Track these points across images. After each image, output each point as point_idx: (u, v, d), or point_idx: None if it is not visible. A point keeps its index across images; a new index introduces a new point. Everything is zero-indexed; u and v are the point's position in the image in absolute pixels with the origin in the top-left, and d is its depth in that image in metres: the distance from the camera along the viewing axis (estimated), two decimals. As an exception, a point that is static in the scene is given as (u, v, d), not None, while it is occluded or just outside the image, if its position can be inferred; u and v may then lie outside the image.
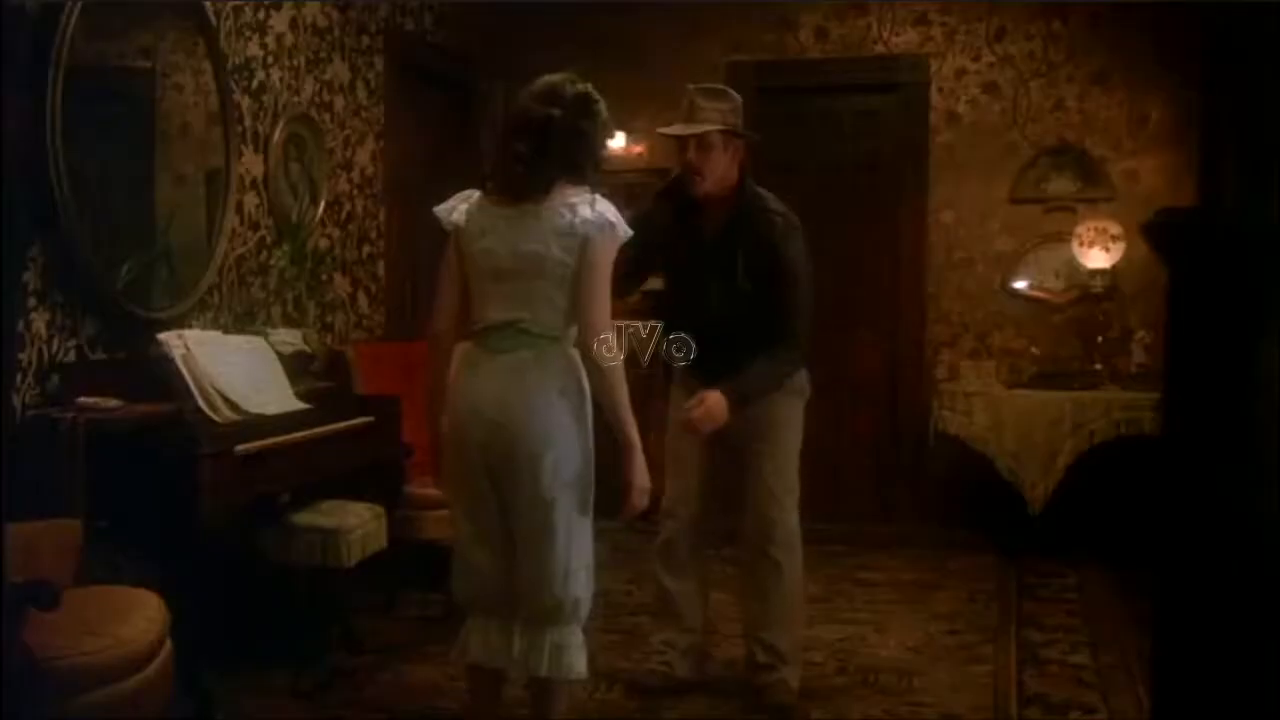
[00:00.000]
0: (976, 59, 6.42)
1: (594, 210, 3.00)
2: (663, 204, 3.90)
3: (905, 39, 6.50)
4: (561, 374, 3.03)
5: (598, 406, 3.07)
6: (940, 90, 6.46)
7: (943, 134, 6.46)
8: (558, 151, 3.01)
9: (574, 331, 3.04)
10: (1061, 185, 6.32)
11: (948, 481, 6.27)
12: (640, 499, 3.05)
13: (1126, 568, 5.19)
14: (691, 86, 3.79)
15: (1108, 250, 5.94)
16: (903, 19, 6.49)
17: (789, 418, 3.85)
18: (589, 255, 2.98)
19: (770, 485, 3.84)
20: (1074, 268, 6.13)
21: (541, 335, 3.02)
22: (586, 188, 3.05)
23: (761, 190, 3.79)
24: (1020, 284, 6.36)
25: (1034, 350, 6.14)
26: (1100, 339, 6.04)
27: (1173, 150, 6.18)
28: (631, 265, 3.47)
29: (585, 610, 3.08)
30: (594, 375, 3.02)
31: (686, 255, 3.81)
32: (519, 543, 3.04)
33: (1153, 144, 6.23)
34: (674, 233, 3.81)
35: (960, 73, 6.43)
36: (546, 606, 3.02)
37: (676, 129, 3.70)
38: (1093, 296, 6.08)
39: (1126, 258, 5.93)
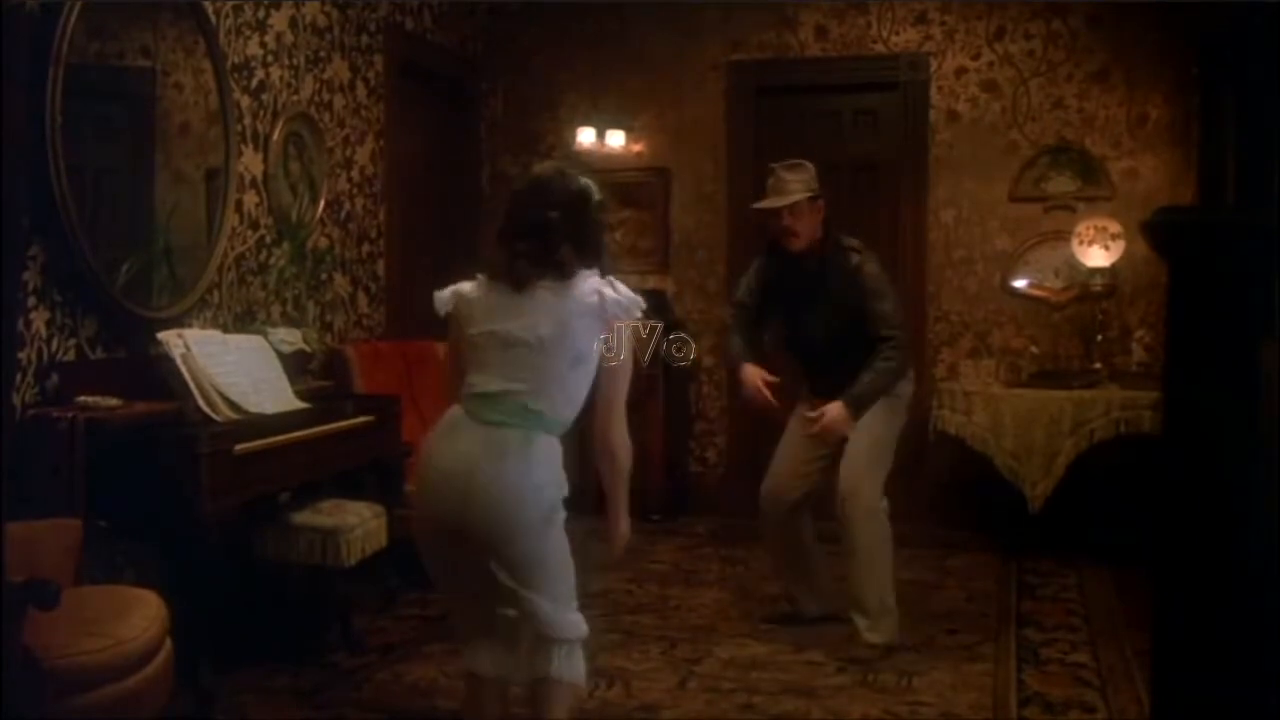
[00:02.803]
0: (976, 58, 6.42)
1: (622, 295, 3.00)
2: (767, 260, 4.62)
3: (905, 38, 6.50)
4: (544, 464, 2.92)
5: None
6: (940, 89, 6.46)
7: (942, 133, 6.46)
8: (562, 249, 2.98)
9: (568, 418, 2.99)
10: (1061, 184, 6.32)
11: (947, 480, 6.27)
12: (623, 544, 3.14)
13: (1126, 567, 5.19)
14: (774, 165, 4.48)
15: (1107, 249, 5.94)
16: (902, 18, 6.50)
17: (885, 414, 4.44)
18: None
19: (857, 459, 4.39)
20: (1074, 266, 6.14)
21: (538, 413, 2.92)
22: (597, 270, 3.04)
23: (841, 236, 4.52)
24: (1020, 283, 6.37)
25: (1034, 349, 6.14)
26: (1100, 337, 6.05)
27: (1172, 149, 6.18)
28: (755, 313, 4.63)
29: (579, 632, 3.01)
30: (604, 456, 3.04)
31: (792, 297, 4.53)
32: (499, 601, 2.96)
33: (1152, 143, 6.23)
34: (780, 282, 4.55)
35: (960, 71, 6.44)
36: (547, 639, 2.98)
37: (770, 203, 4.42)
38: (1092, 295, 6.08)
39: (1126, 256, 5.93)
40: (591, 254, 3.04)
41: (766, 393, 4.48)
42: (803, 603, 4.69)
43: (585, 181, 3.08)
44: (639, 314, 3.03)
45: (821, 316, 4.45)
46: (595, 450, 3.05)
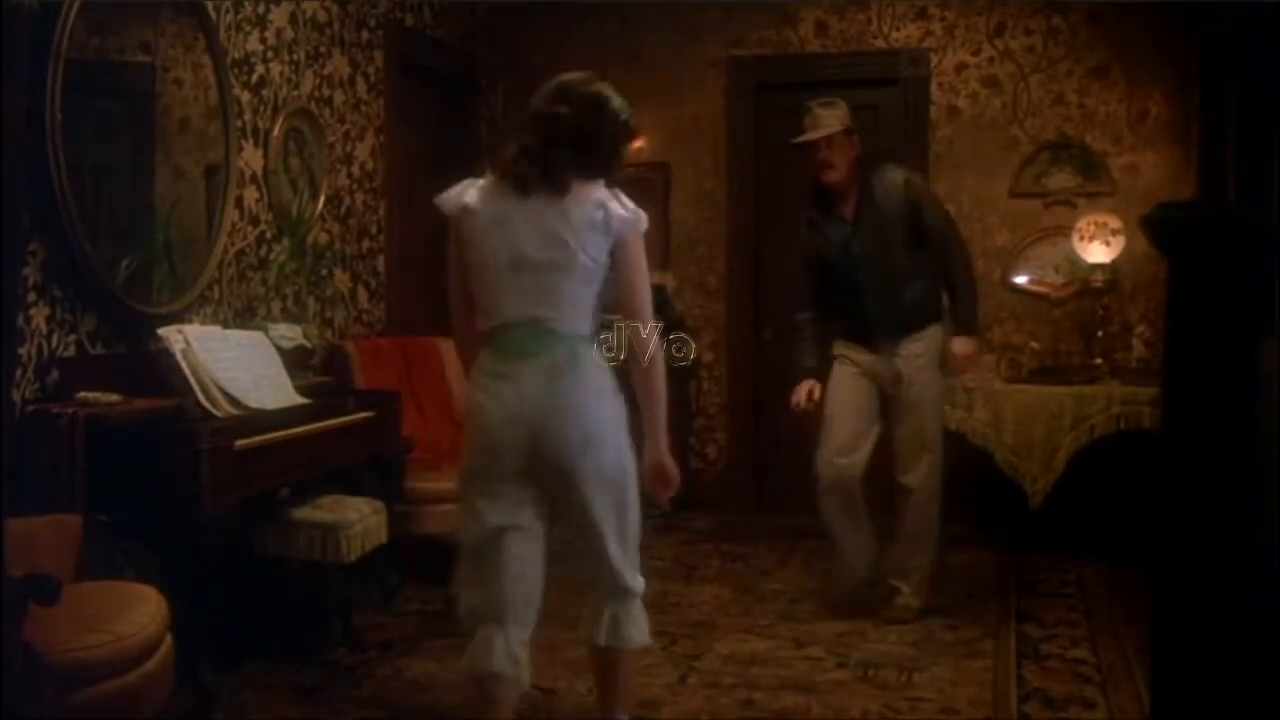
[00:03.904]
0: (976, 53, 6.41)
1: (626, 208, 2.99)
2: (808, 212, 4.72)
3: (905, 33, 6.50)
4: (596, 375, 3.00)
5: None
6: (940, 85, 6.46)
7: (943, 128, 6.45)
8: (565, 148, 2.94)
9: (589, 336, 3.02)
10: (1062, 180, 6.32)
11: (948, 476, 6.25)
12: (674, 483, 3.15)
13: (1126, 563, 5.19)
14: (810, 102, 4.61)
15: (1108, 245, 5.94)
16: (903, 13, 6.49)
17: (936, 381, 4.68)
18: (630, 254, 3.00)
19: (922, 431, 4.63)
20: (1074, 262, 6.13)
21: (570, 335, 2.96)
22: (602, 183, 3.00)
23: (877, 165, 4.64)
24: (1020, 278, 6.36)
25: (1034, 345, 6.13)
26: (1100, 333, 6.04)
27: (1173, 145, 6.18)
28: (822, 304, 4.70)
29: (640, 587, 3.14)
30: (636, 369, 3.06)
31: (838, 238, 4.60)
32: (575, 539, 3.07)
33: (1153, 138, 6.23)
34: (827, 228, 4.64)
35: (960, 67, 6.43)
36: (613, 590, 3.10)
37: (806, 136, 4.54)
38: (1093, 291, 6.07)
39: (1126, 252, 5.93)
40: (598, 163, 3.00)
41: (808, 406, 4.68)
42: (855, 570, 4.73)
43: (605, 90, 3.04)
44: (644, 227, 3.04)
45: (871, 238, 4.54)
46: (632, 361, 3.06)
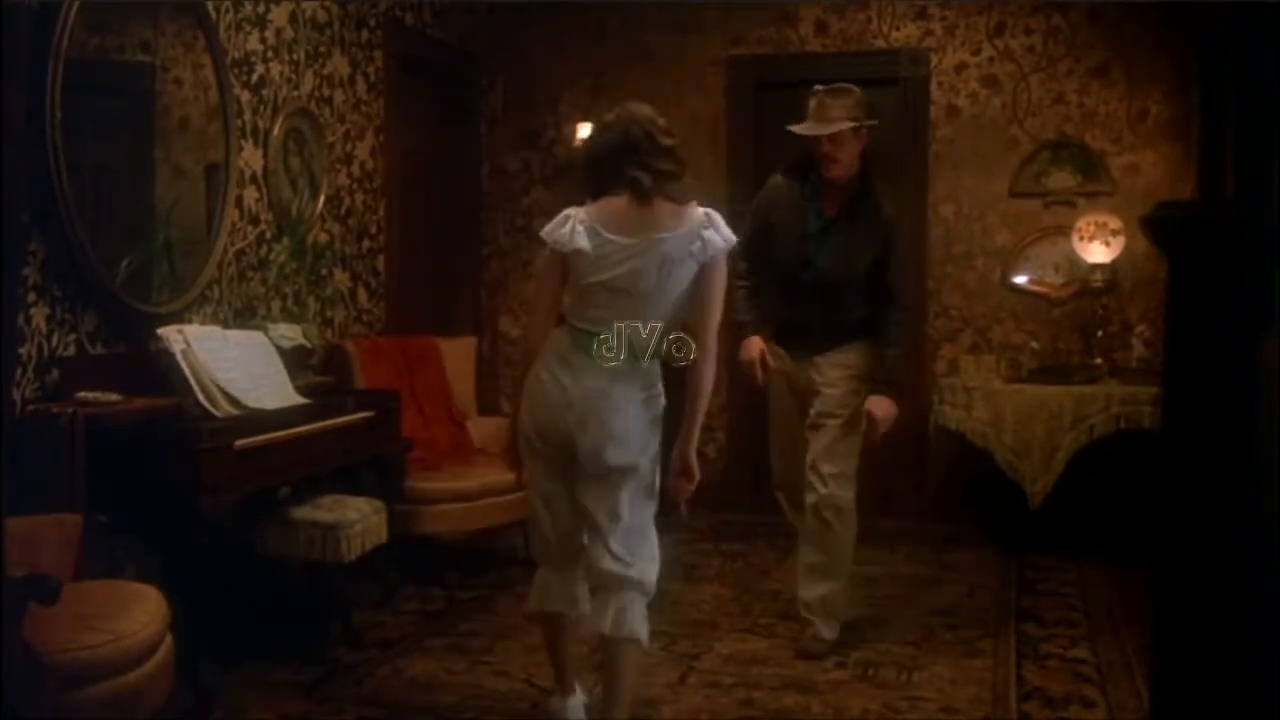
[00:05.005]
0: (976, 53, 6.41)
1: (719, 233, 3.25)
2: (788, 180, 4.30)
3: (905, 33, 6.49)
4: (647, 381, 3.33)
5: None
6: (940, 84, 6.45)
7: (942, 128, 6.45)
8: (668, 184, 3.24)
9: (658, 351, 3.31)
10: (1061, 179, 6.32)
11: (947, 476, 6.28)
12: (693, 479, 3.41)
13: (1126, 562, 5.19)
14: (819, 88, 4.23)
15: (1108, 244, 5.94)
16: (903, 13, 6.49)
17: (856, 398, 4.28)
18: (713, 276, 3.29)
19: (834, 450, 4.25)
20: (1074, 262, 6.13)
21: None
22: (692, 202, 3.26)
23: (875, 181, 4.29)
24: (1020, 278, 6.36)
25: (1034, 344, 6.13)
26: (1100, 333, 6.04)
27: (1173, 144, 6.18)
28: (751, 239, 4.23)
29: (650, 582, 3.37)
30: (693, 370, 3.32)
31: (806, 229, 4.22)
32: (592, 520, 3.33)
33: (1153, 138, 6.23)
34: (798, 209, 4.24)
35: (960, 67, 6.43)
36: (613, 576, 3.32)
37: (809, 128, 4.14)
38: (1092, 291, 6.07)
39: (1126, 252, 5.93)
40: (681, 188, 3.27)
41: (760, 372, 4.31)
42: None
43: (660, 119, 3.32)
44: (730, 248, 3.31)
45: (833, 256, 4.18)
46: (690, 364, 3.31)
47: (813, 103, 4.20)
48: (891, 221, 4.22)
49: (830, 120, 4.12)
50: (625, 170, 3.23)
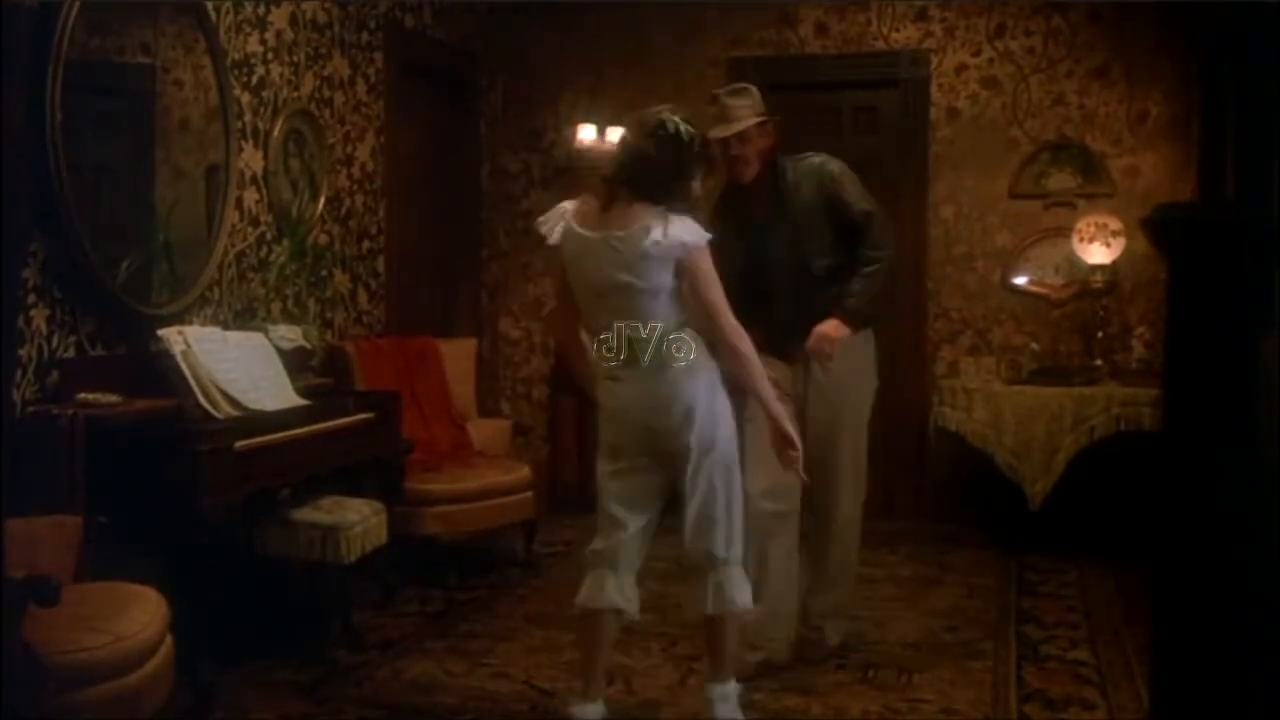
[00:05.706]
0: (976, 54, 6.41)
1: (678, 230, 3.24)
2: (722, 211, 4.17)
3: (905, 34, 6.49)
4: (680, 363, 3.36)
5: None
6: (940, 86, 6.45)
7: (943, 129, 6.45)
8: (626, 176, 3.30)
9: (679, 323, 3.36)
10: (1061, 181, 6.32)
11: (948, 477, 6.28)
12: (793, 445, 3.49)
13: (1126, 564, 5.19)
14: (718, 91, 4.13)
15: (1108, 246, 5.94)
16: (903, 14, 6.49)
17: (864, 403, 4.24)
18: (694, 273, 3.30)
19: (842, 462, 4.19)
20: (1074, 263, 6.13)
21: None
22: (662, 209, 3.26)
23: (788, 156, 4.16)
24: (1020, 279, 6.36)
25: (1034, 346, 6.13)
26: (1100, 334, 6.04)
27: (1173, 145, 6.18)
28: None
29: (738, 553, 3.47)
30: (734, 364, 3.39)
31: (749, 240, 4.12)
32: (687, 506, 3.42)
33: (1153, 139, 6.23)
34: (734, 225, 4.08)
35: (960, 68, 6.43)
36: (707, 555, 3.43)
37: (720, 131, 4.00)
38: (1093, 292, 6.07)
39: (1126, 253, 5.93)
40: (657, 188, 3.28)
41: None
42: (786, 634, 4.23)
43: (663, 118, 3.32)
44: (704, 239, 3.29)
45: (784, 237, 4.05)
46: (720, 355, 3.39)
47: (714, 109, 4.06)
48: (821, 167, 4.09)
49: (734, 120, 4.00)
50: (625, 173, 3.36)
